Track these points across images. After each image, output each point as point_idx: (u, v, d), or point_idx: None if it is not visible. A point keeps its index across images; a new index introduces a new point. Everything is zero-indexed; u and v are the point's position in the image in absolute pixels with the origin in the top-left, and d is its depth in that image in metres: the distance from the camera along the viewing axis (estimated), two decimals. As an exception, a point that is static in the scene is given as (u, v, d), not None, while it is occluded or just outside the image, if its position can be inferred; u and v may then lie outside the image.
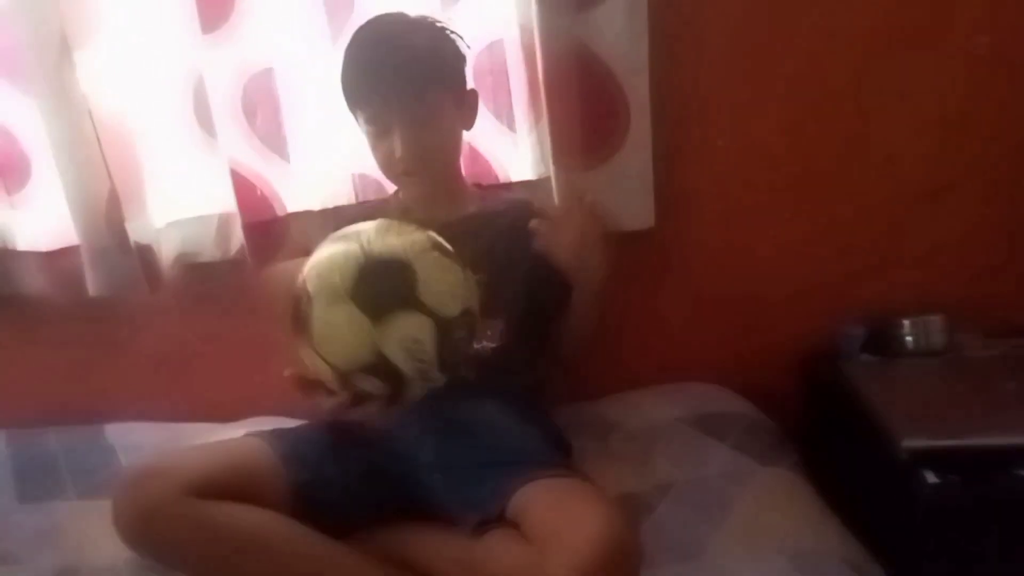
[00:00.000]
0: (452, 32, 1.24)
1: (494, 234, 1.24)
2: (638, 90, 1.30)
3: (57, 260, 1.44)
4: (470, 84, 1.28)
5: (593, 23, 1.26)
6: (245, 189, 1.37)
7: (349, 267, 0.97)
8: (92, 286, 1.40)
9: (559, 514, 0.94)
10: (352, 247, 0.99)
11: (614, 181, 1.34)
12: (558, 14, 1.25)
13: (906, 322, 1.37)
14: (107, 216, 1.35)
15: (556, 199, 1.36)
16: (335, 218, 1.38)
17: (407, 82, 1.16)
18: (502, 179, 1.42)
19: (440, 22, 1.24)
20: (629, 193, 1.35)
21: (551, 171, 1.36)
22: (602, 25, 1.26)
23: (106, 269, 1.38)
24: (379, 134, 1.21)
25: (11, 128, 1.39)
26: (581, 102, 1.30)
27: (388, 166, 1.24)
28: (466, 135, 1.37)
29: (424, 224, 1.25)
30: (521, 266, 1.22)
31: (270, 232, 1.41)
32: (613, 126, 1.31)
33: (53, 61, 1.27)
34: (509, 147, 1.39)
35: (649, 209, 1.36)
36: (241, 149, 1.35)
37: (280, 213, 1.41)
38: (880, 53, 1.35)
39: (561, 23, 1.26)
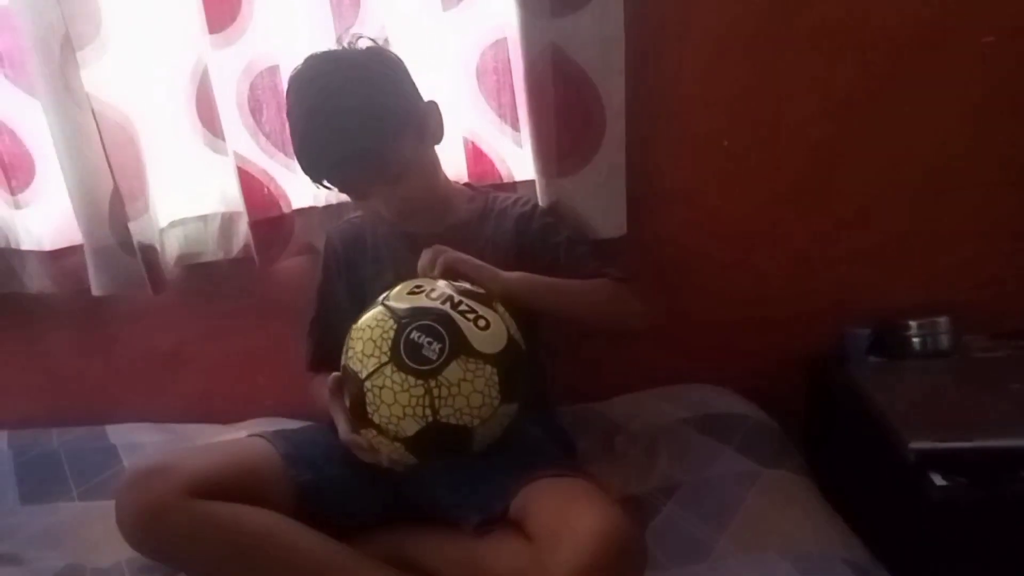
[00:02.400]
0: (388, 58, 1.17)
1: (482, 240, 1.23)
2: (614, 96, 1.28)
3: (60, 259, 1.45)
4: (455, 78, 1.27)
5: (570, 28, 1.24)
6: (252, 187, 1.37)
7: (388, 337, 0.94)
8: (95, 285, 1.40)
9: (562, 513, 0.94)
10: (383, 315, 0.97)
11: (590, 187, 1.32)
12: (535, 18, 1.24)
13: (913, 323, 1.36)
14: (111, 215, 1.36)
15: (541, 203, 1.35)
16: (338, 214, 1.38)
17: (364, 164, 1.12)
18: (505, 178, 1.41)
19: (371, 52, 1.16)
20: (603, 200, 1.34)
21: (535, 176, 1.36)
22: (579, 30, 1.24)
23: (110, 268, 1.39)
24: (356, 200, 1.22)
25: (15, 127, 1.39)
26: (559, 107, 1.28)
27: (377, 216, 1.24)
28: (468, 134, 1.38)
29: (412, 235, 1.24)
30: (512, 268, 1.21)
31: (276, 229, 1.41)
32: (589, 131, 1.30)
33: (57, 60, 1.27)
34: (512, 146, 1.39)
35: (622, 216, 1.35)
36: (247, 147, 1.35)
37: (286, 210, 1.41)
38: (884, 54, 1.34)
39: (538, 28, 1.24)
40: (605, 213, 1.34)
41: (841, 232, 1.43)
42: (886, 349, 1.38)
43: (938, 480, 1.06)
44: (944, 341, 1.36)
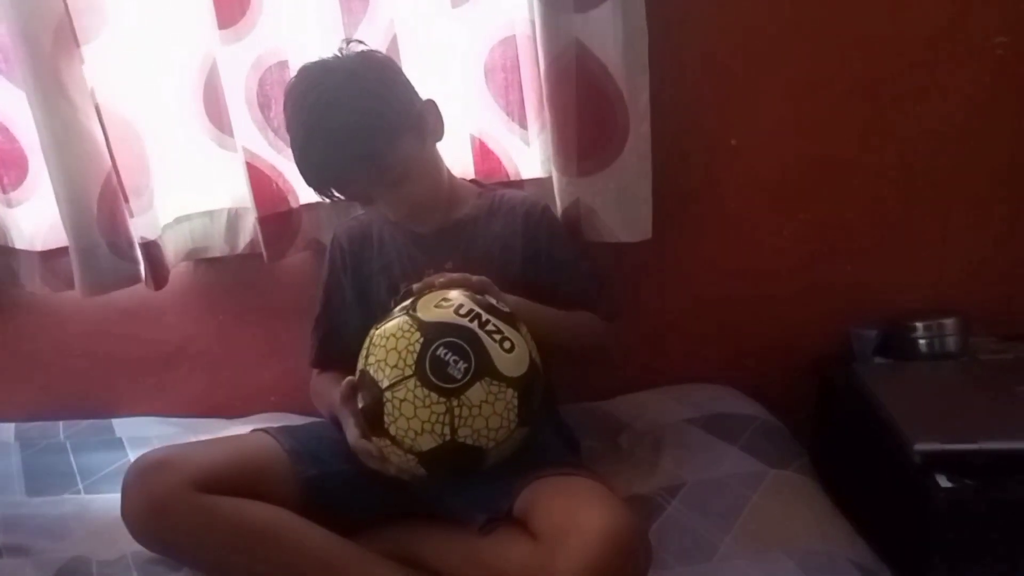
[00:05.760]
0: (381, 62, 1.17)
1: (489, 237, 1.23)
2: (638, 95, 1.26)
3: (50, 260, 1.44)
4: (449, 77, 1.28)
5: (592, 24, 1.23)
6: (260, 182, 1.37)
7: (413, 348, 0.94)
8: (81, 286, 1.39)
9: (567, 512, 0.94)
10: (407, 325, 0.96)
11: (612, 190, 1.31)
12: (556, 13, 1.23)
13: (920, 325, 1.35)
14: (101, 215, 1.34)
15: (558, 203, 1.35)
16: (346, 210, 1.38)
17: (365, 171, 1.12)
18: (512, 176, 1.41)
19: (363, 57, 1.15)
20: (626, 204, 1.32)
21: (552, 174, 1.35)
22: (601, 26, 1.23)
23: (97, 269, 1.38)
24: (362, 205, 1.24)
25: (9, 125, 1.39)
26: (580, 105, 1.27)
27: (386, 220, 1.25)
28: (476, 131, 1.37)
29: (418, 232, 1.24)
30: (517, 266, 1.21)
31: (284, 224, 1.41)
32: (613, 132, 1.28)
33: (47, 54, 1.26)
34: (519, 144, 1.39)
35: (647, 221, 1.33)
36: (255, 142, 1.36)
37: (294, 205, 1.41)
38: (896, 52, 1.34)
39: (559, 23, 1.23)
40: (629, 217, 1.32)
41: (849, 233, 1.42)
42: (893, 350, 1.38)
43: (944, 482, 1.06)
44: (951, 343, 1.35)
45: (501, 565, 0.97)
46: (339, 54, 1.16)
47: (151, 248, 1.38)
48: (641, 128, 1.28)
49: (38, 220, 1.43)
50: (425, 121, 1.18)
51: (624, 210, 1.32)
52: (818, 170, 1.40)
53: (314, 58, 1.16)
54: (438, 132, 1.21)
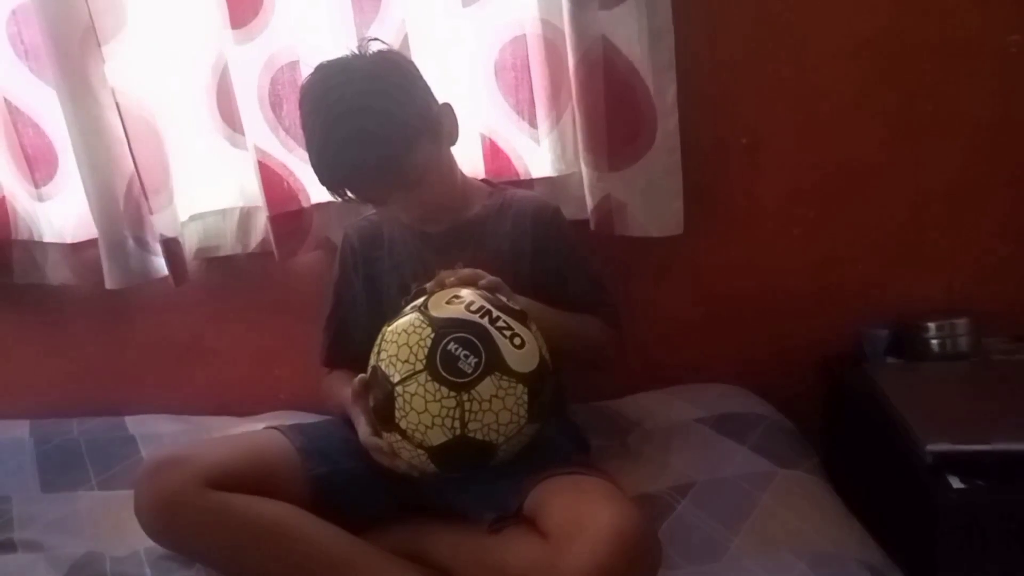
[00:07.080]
0: (401, 64, 1.17)
1: (499, 237, 1.23)
2: (665, 90, 1.27)
3: (81, 252, 1.46)
4: (458, 82, 1.28)
5: (617, 20, 1.24)
6: (271, 181, 1.38)
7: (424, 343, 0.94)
8: (109, 279, 1.42)
9: (576, 511, 0.94)
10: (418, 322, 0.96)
11: (642, 185, 1.32)
12: (582, 10, 1.24)
13: (931, 325, 1.34)
14: (128, 209, 1.37)
15: (588, 199, 1.35)
16: (356, 210, 1.38)
17: (382, 174, 1.12)
18: (522, 175, 1.41)
19: (382, 58, 1.15)
20: (657, 198, 1.33)
21: (581, 170, 1.36)
22: (626, 23, 1.24)
23: (124, 262, 1.40)
24: (376, 207, 1.23)
25: (40, 120, 1.41)
26: (607, 101, 1.28)
27: (396, 220, 1.25)
28: (486, 131, 1.38)
29: (428, 232, 1.24)
30: (526, 267, 1.21)
31: (294, 223, 1.42)
32: (640, 127, 1.29)
33: (76, 54, 1.28)
34: (529, 143, 1.39)
35: (678, 216, 1.34)
36: (267, 141, 1.36)
37: (304, 205, 1.42)
38: (909, 54, 1.33)
39: (585, 19, 1.24)
40: (660, 211, 1.34)
41: (862, 231, 1.41)
42: (904, 350, 1.37)
43: (955, 483, 1.05)
44: (963, 343, 1.34)
45: (510, 563, 0.97)
46: (357, 52, 1.15)
47: (171, 245, 1.40)
48: (669, 124, 1.29)
49: (68, 213, 1.46)
50: (441, 125, 1.18)
51: (655, 204, 1.33)
52: (831, 170, 1.39)
53: (331, 56, 1.16)
54: (453, 136, 1.21)
